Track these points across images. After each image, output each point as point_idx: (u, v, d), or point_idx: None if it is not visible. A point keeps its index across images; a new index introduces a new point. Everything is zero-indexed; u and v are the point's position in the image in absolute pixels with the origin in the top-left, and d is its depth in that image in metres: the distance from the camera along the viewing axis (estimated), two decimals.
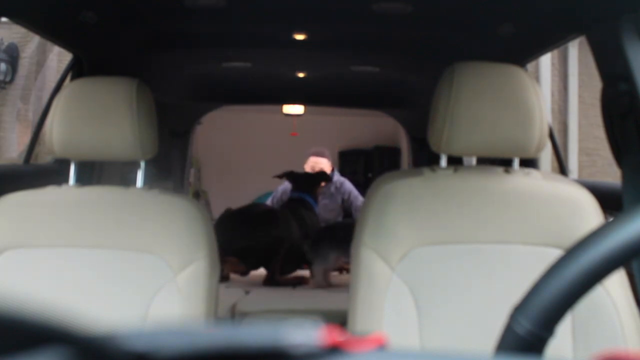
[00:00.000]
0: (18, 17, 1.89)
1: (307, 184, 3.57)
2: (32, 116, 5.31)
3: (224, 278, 2.85)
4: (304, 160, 3.98)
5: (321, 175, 3.63)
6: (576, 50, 5.13)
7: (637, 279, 1.45)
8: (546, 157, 3.83)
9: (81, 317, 0.28)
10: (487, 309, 1.21)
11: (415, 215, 1.27)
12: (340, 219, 3.94)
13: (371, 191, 1.31)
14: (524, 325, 0.58)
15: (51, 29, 2.05)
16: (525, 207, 1.29)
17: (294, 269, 3.14)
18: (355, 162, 7.01)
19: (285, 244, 2.99)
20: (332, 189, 3.94)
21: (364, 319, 1.22)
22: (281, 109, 5.03)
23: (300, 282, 2.97)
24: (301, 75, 2.93)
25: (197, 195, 6.04)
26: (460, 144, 1.29)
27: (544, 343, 0.58)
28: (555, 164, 2.94)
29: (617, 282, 1.20)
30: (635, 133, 1.50)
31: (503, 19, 1.83)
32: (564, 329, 1.18)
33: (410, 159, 3.87)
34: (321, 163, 3.91)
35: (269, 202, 3.93)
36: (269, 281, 2.96)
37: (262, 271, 3.00)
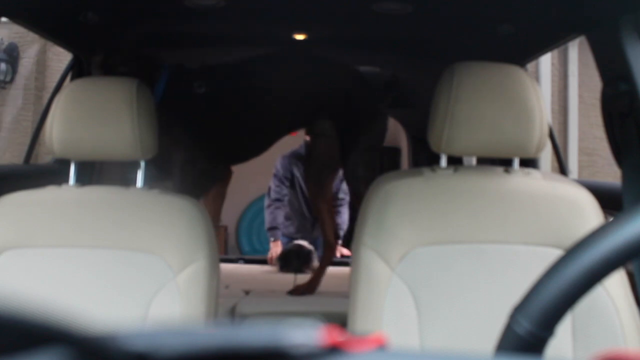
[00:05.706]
0: (18, 17, 1.89)
1: None
2: (33, 116, 5.31)
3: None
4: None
5: None
6: (576, 50, 5.13)
7: (637, 279, 1.45)
8: (546, 157, 3.83)
9: (81, 317, 0.28)
10: (487, 309, 1.21)
11: (415, 216, 1.27)
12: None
13: (371, 191, 1.31)
14: (524, 325, 0.58)
15: (51, 29, 2.05)
16: (525, 207, 1.29)
17: None
18: None
19: None
20: None
21: (363, 319, 1.22)
22: None
23: None
24: None
25: None
26: (460, 144, 1.29)
27: (544, 343, 0.58)
28: (555, 164, 2.94)
29: (617, 282, 1.20)
30: (635, 133, 1.50)
31: (503, 19, 1.83)
32: (564, 329, 1.18)
33: (410, 159, 3.86)
34: None
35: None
36: None
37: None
